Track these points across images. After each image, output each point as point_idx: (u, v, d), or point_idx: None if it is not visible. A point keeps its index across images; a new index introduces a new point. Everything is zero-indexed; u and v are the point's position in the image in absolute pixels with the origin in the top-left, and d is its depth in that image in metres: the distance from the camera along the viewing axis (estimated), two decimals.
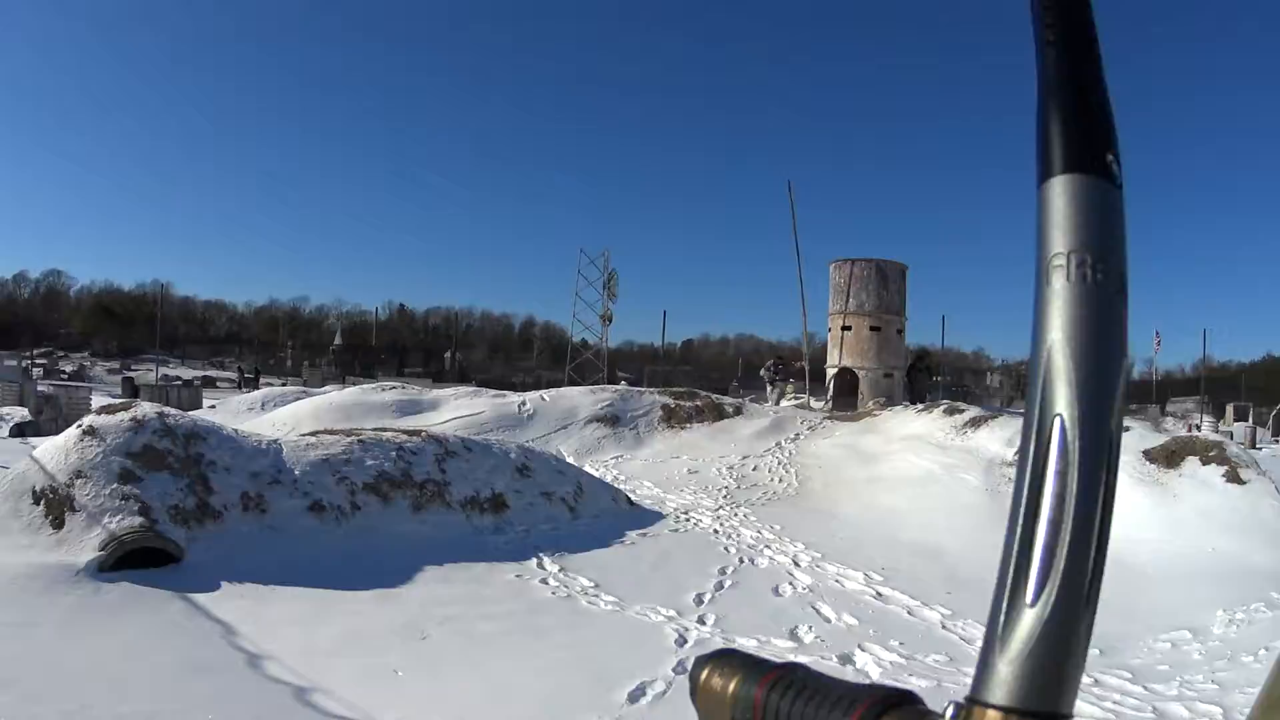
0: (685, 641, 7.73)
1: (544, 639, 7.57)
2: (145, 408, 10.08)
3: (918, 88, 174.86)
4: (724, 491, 16.51)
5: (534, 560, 10.30)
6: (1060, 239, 0.65)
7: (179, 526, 8.64)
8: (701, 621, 8.47)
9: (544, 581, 9.45)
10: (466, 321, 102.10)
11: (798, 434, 22.49)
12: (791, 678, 0.73)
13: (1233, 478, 13.70)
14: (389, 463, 11.00)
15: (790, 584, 10.18)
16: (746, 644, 7.85)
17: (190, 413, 14.38)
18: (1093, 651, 5.22)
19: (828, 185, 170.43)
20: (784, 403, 30.86)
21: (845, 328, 30.48)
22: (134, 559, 8.15)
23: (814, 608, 9.30)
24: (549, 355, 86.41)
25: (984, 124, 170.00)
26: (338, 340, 78.13)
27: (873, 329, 30.22)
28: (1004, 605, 0.62)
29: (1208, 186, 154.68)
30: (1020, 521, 0.64)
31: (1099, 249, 0.65)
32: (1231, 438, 27.85)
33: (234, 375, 62.77)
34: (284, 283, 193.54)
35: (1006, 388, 61.78)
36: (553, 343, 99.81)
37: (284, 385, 41.87)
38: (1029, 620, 0.60)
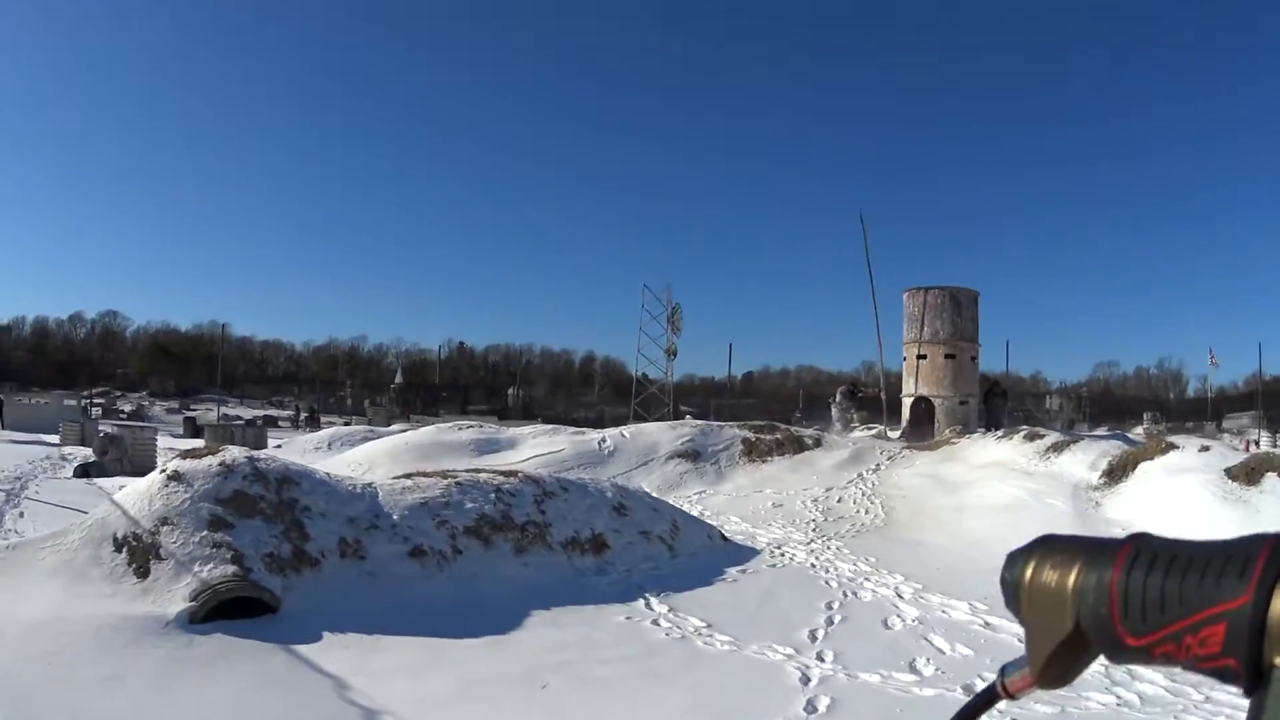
0: (809, 680, 7.49)
1: (666, 683, 7.35)
2: (234, 452, 9.87)
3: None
4: (812, 524, 16.26)
5: (641, 601, 10.04)
6: None
7: (274, 575, 8.38)
8: (820, 658, 8.21)
9: (655, 623, 9.18)
10: (527, 358, 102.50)
11: (878, 464, 22.25)
12: (1149, 549, 0.65)
13: None
14: (488, 504, 10.78)
15: (898, 616, 9.94)
16: (869, 679, 7.67)
17: (276, 454, 14.35)
18: None
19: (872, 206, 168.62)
20: (857, 432, 30.62)
21: (920, 356, 30.20)
22: (227, 610, 7.87)
23: (927, 639, 9.06)
24: (611, 391, 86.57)
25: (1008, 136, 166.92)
26: (399, 378, 78.61)
27: (948, 356, 29.85)
28: None
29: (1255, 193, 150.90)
30: None
31: None
32: None
33: (291, 414, 62.85)
34: (342, 322, 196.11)
35: (1067, 410, 61.12)
36: (613, 378, 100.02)
37: (347, 424, 42.02)
38: None
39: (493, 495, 11.03)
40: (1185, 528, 13.50)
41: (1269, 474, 14.30)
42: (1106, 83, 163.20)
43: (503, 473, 12.38)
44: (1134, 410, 65.28)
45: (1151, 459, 16.66)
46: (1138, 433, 32.62)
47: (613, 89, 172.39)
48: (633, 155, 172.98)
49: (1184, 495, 14.68)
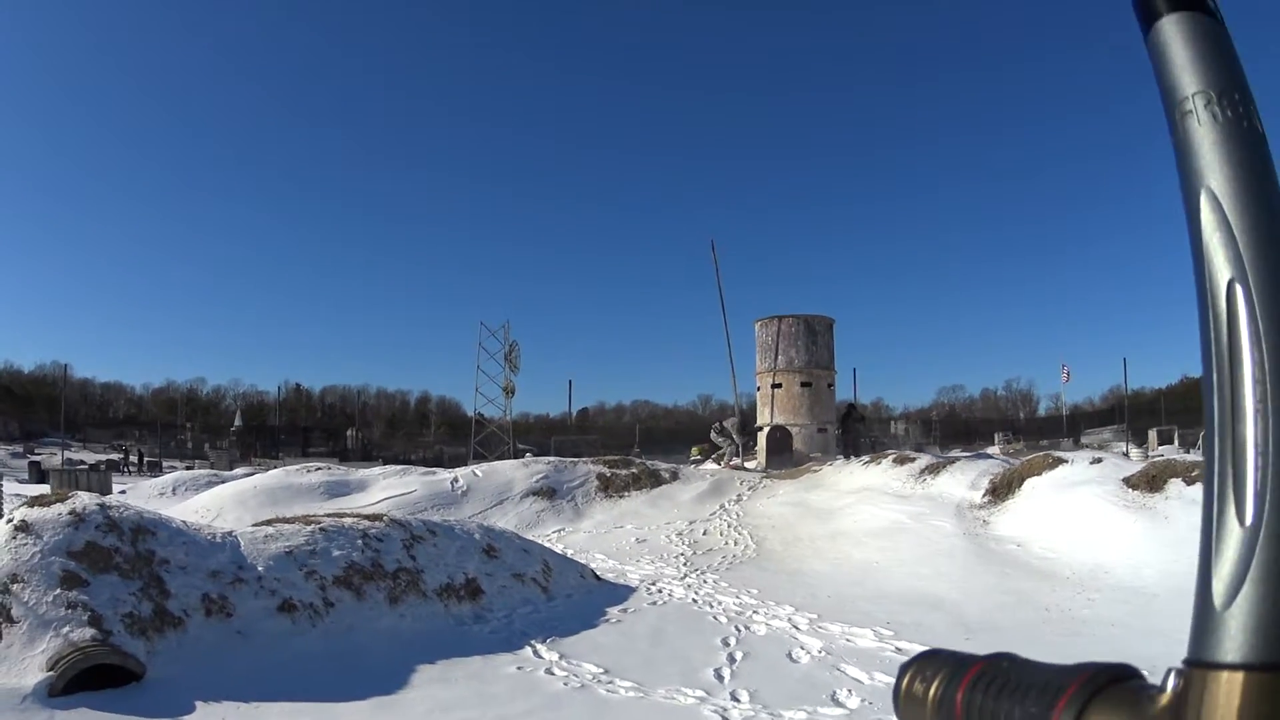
0: None
1: None
2: (84, 498, 8.72)
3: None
4: (683, 559, 15.83)
5: (528, 649, 9.34)
6: (1190, 80, 0.58)
7: (136, 638, 7.35)
8: (735, 698, 7.70)
9: (549, 672, 8.49)
10: (363, 399, 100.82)
11: (739, 495, 22.05)
12: (995, 671, 0.68)
13: None
14: (356, 552, 9.87)
15: (801, 648, 9.50)
16: (795, 717, 7.19)
17: (127, 502, 13.17)
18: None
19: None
20: (711, 464, 30.42)
21: (775, 385, 30.22)
22: (87, 678, 6.83)
23: (840, 670, 8.65)
24: (447, 430, 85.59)
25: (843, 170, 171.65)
26: (238, 421, 76.35)
27: (804, 385, 30.00)
28: (1214, 535, 0.55)
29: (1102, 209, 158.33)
30: (1216, 423, 0.54)
31: (1229, 85, 0.58)
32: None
33: (120, 458, 59.97)
34: (180, 363, 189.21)
35: (914, 435, 62.37)
36: (449, 417, 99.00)
37: (189, 469, 40.38)
38: (1246, 547, 0.52)
39: (359, 541, 10.17)
40: (1085, 539, 13.52)
41: (1173, 480, 14.46)
42: (952, 108, 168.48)
43: (366, 517, 11.51)
44: (983, 432, 66.92)
45: (1039, 474, 16.71)
46: (993, 452, 33.09)
47: (445, 121, 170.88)
48: (467, 190, 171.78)
49: (1081, 507, 14.71)
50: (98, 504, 8.56)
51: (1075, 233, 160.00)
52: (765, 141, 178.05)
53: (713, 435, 31.88)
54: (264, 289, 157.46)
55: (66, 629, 7.07)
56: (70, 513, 8.23)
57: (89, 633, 7.09)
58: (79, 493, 9.25)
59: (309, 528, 10.02)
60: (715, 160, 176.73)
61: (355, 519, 11.13)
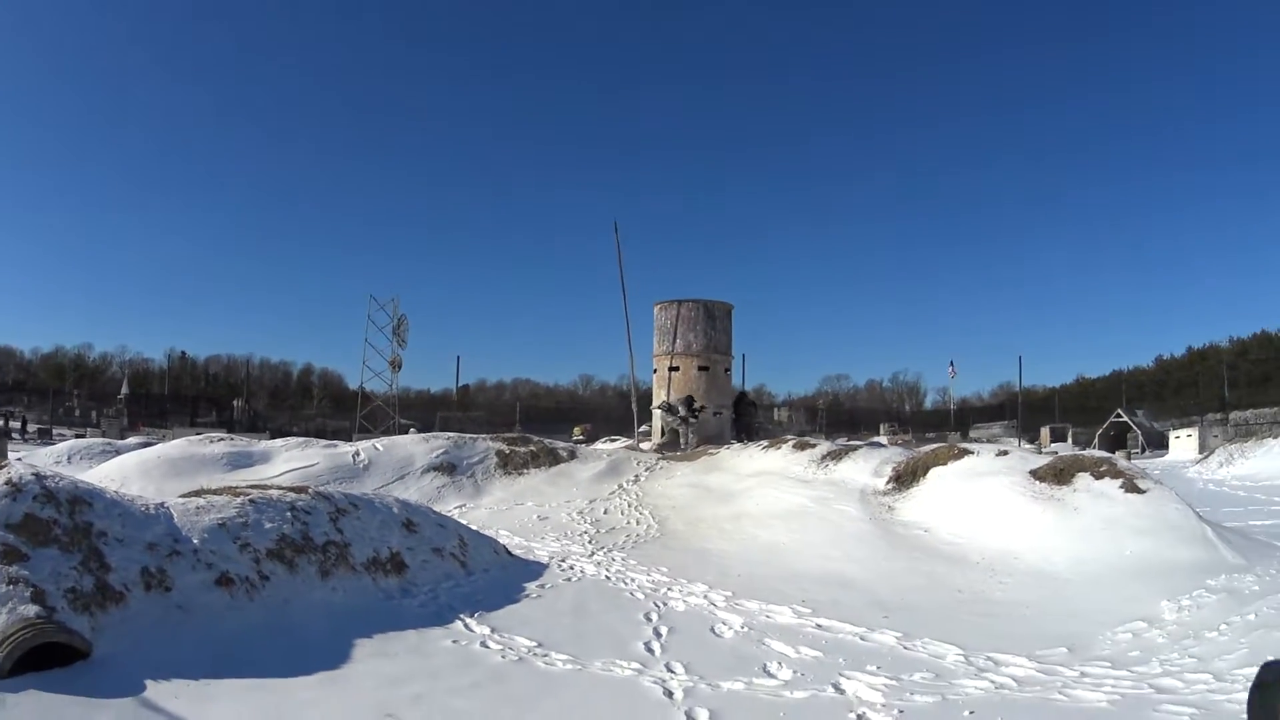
0: (672, 694, 7.13)
1: (532, 710, 6.77)
2: (18, 467, 8.42)
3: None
4: (587, 537, 16.06)
5: (458, 622, 9.37)
6: None
7: (81, 614, 7.08)
8: (670, 669, 7.88)
9: (484, 645, 8.53)
10: (245, 369, 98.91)
11: (637, 475, 22.39)
12: None
13: (1131, 488, 14.37)
14: (286, 524, 9.71)
15: (723, 624, 9.76)
16: (734, 687, 7.42)
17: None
18: (1059, 649, 5.26)
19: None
20: (611, 445, 30.66)
21: (673, 368, 30.52)
22: (31, 658, 6.53)
23: (765, 644, 8.92)
24: (329, 404, 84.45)
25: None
26: (125, 389, 74.32)
27: (701, 368, 30.37)
28: None
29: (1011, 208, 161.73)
30: None
31: None
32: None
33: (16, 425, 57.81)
34: (69, 328, 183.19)
35: (798, 422, 63.34)
36: (332, 390, 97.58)
37: (80, 437, 39.38)
38: None
39: (289, 513, 10.09)
40: (994, 527, 14.05)
41: (1081, 474, 15.08)
42: (849, 101, 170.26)
43: (290, 489, 11.50)
44: (868, 422, 68.12)
45: (944, 464, 17.24)
46: (884, 441, 33.87)
47: (349, 96, 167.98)
48: (360, 163, 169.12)
49: (988, 497, 15.24)
50: (34, 473, 8.29)
51: (970, 230, 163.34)
52: (670, 128, 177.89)
53: (661, 415, 31.88)
54: (150, 254, 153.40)
55: (10, 606, 6.77)
56: (6, 483, 7.90)
57: (33, 609, 6.81)
58: (12, 461, 9.08)
59: (238, 499, 9.92)
60: (617, 142, 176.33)
61: (281, 491, 11.06)
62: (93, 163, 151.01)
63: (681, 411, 30.21)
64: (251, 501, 9.99)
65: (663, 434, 30.54)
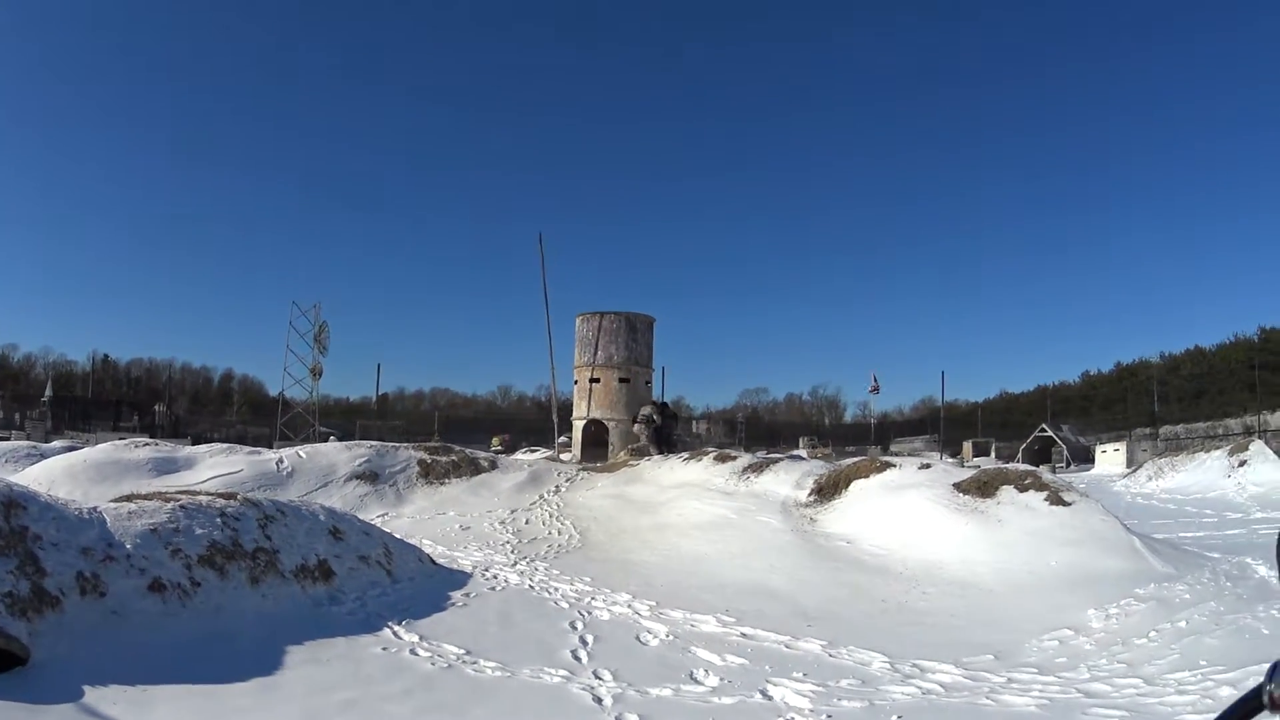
0: (601, 700, 7.34)
1: (464, 715, 6.95)
2: None
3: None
4: (509, 546, 16.14)
5: (386, 630, 9.48)
6: None
7: (18, 619, 7.04)
8: (598, 677, 8.09)
9: (413, 652, 8.65)
10: (167, 373, 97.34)
11: (558, 486, 22.48)
12: None
13: (1056, 500, 14.81)
14: (216, 530, 9.72)
15: (648, 633, 9.96)
16: (661, 694, 7.64)
17: None
18: (986, 657, 5.58)
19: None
20: (530, 455, 30.74)
21: (594, 379, 30.68)
22: None
23: (690, 652, 9.15)
24: (249, 410, 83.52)
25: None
26: (49, 391, 72.73)
27: (622, 380, 30.57)
28: None
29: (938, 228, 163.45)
30: None
31: None
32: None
33: None
34: None
35: (716, 435, 63.73)
36: (251, 397, 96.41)
37: (3, 440, 38.60)
38: None
39: (219, 520, 10.11)
40: (917, 539, 14.36)
41: (1005, 487, 15.45)
42: (775, 109, 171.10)
43: (220, 495, 11.49)
44: (787, 435, 68.67)
45: (866, 477, 17.57)
46: (803, 454, 34.24)
47: (270, 98, 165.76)
48: (285, 163, 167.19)
49: (911, 509, 15.56)
50: None
51: (892, 244, 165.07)
52: (594, 139, 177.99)
53: (636, 428, 31.69)
54: (74, 254, 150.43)
55: None
56: None
57: None
58: None
59: (169, 505, 9.91)
60: (541, 153, 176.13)
61: (210, 497, 11.08)
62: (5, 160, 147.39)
63: (656, 420, 30.06)
64: (182, 507, 9.99)
65: (638, 441, 30.50)
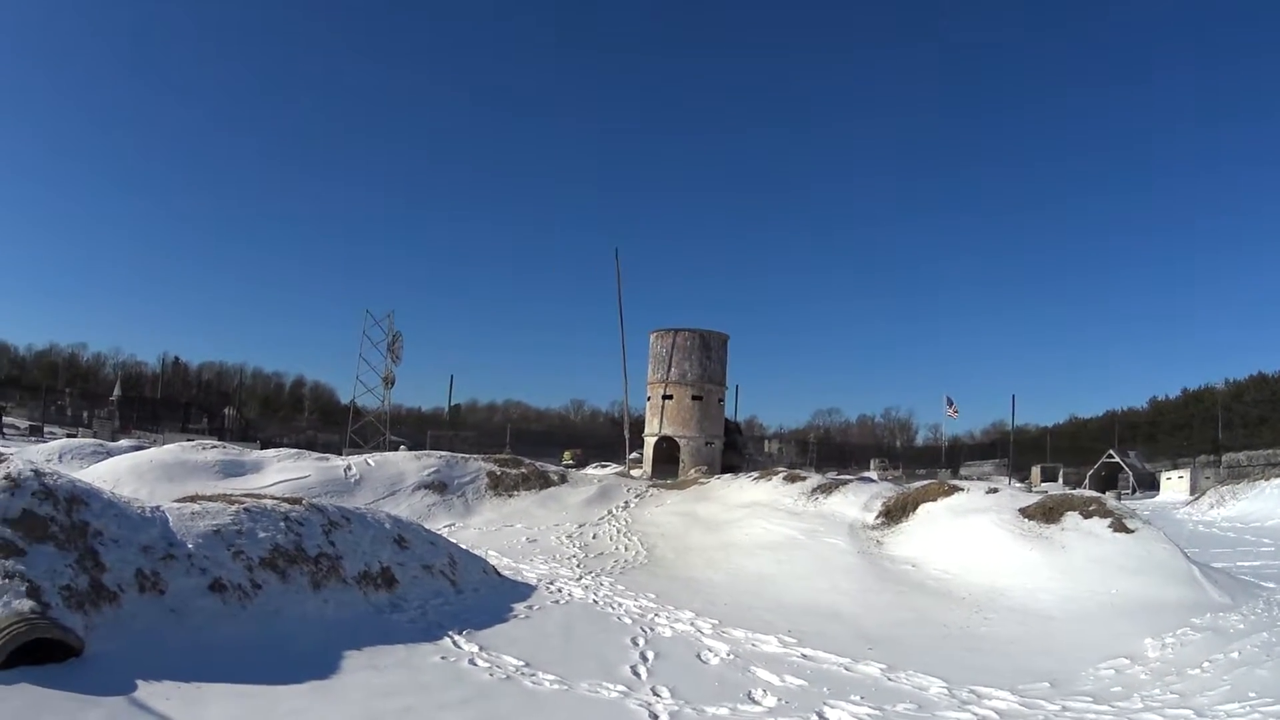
0: (657, 717, 7.21)
1: None
2: (17, 463, 8.55)
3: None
4: (576, 560, 16.10)
5: (447, 639, 9.40)
6: None
7: (74, 612, 7.10)
8: (656, 694, 7.95)
9: (472, 663, 8.56)
10: (238, 377, 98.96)
11: (627, 502, 22.37)
12: None
13: (1119, 528, 14.59)
14: (280, 534, 9.77)
15: (709, 651, 9.83)
16: (718, 712, 7.49)
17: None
18: (1042, 684, 5.33)
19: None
20: (601, 470, 30.68)
21: (666, 396, 30.56)
22: (26, 652, 6.55)
23: (750, 671, 8.99)
24: (320, 416, 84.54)
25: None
26: (117, 391, 74.12)
27: (694, 398, 30.41)
28: None
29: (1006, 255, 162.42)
30: None
31: None
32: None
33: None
34: (64, 326, 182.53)
35: (789, 454, 63.27)
36: (322, 404, 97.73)
37: (71, 436, 39.34)
38: None
39: (282, 524, 10.14)
40: (981, 563, 14.09)
41: (1069, 513, 15.21)
42: (859, 146, 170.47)
43: (285, 499, 11.53)
44: (858, 457, 68.15)
45: (934, 500, 17.31)
46: (873, 476, 33.91)
47: (356, 114, 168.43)
48: (366, 175, 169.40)
49: (977, 534, 15.32)
50: (32, 470, 8.30)
51: (967, 270, 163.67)
52: (673, 162, 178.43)
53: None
54: (147, 257, 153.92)
55: (4, 600, 6.78)
56: (5, 477, 7.90)
57: (28, 604, 6.81)
58: (10, 456, 9.09)
59: (233, 507, 9.96)
60: (621, 173, 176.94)
61: (275, 501, 11.11)
62: (87, 164, 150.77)
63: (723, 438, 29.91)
64: (246, 510, 10.02)
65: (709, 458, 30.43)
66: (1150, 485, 48.06)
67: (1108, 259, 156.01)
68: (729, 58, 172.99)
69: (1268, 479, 32.69)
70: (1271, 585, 13.43)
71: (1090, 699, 8.16)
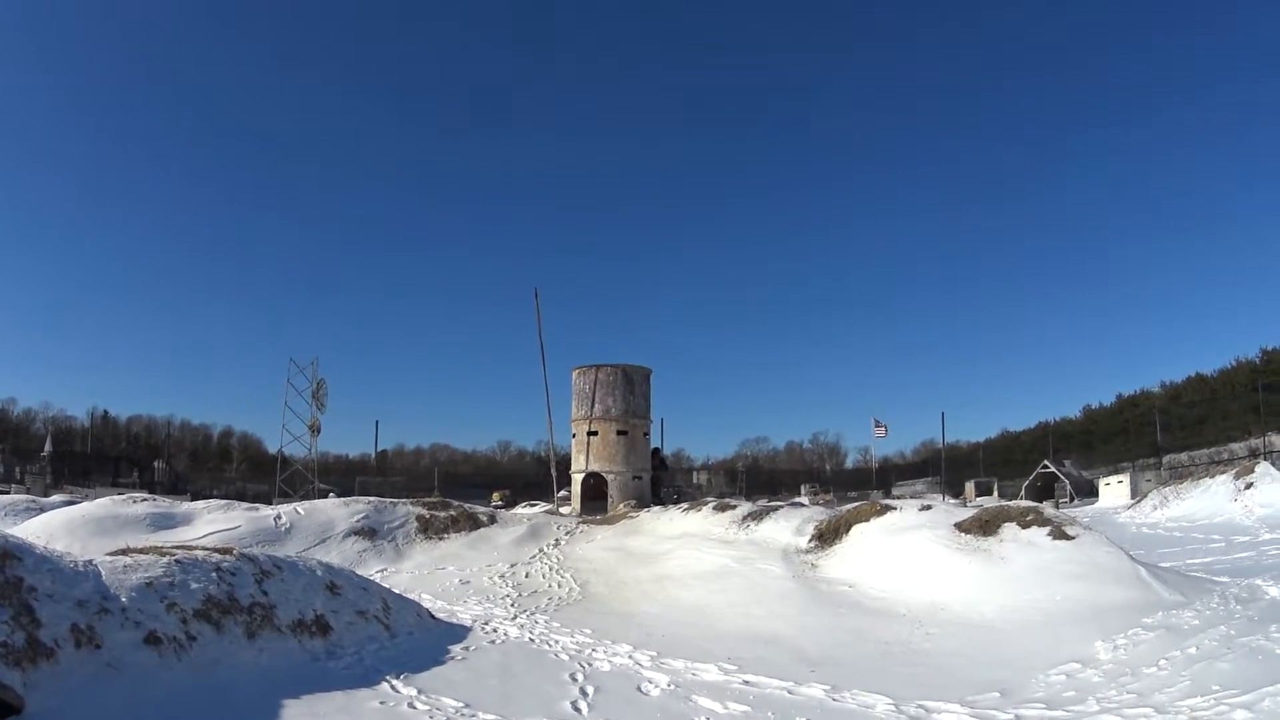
0: None
1: None
2: None
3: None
4: (510, 600, 16.06)
5: (385, 684, 9.33)
6: None
7: (12, 669, 6.95)
8: None
9: (411, 706, 8.53)
10: (166, 430, 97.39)
11: (558, 539, 22.35)
12: None
13: (1059, 535, 14.74)
14: (212, 585, 9.69)
15: (649, 682, 9.86)
16: None
17: None
18: (992, 694, 5.47)
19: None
20: (530, 509, 30.66)
21: (591, 432, 30.67)
22: None
23: (693, 700, 9.06)
24: (249, 466, 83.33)
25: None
26: (49, 446, 72.58)
27: (620, 433, 30.56)
28: None
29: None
30: None
31: None
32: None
33: None
34: None
35: (717, 485, 63.46)
36: (250, 454, 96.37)
37: (3, 493, 38.48)
38: None
39: (214, 574, 10.06)
40: (920, 580, 14.25)
41: (1007, 524, 15.39)
42: (763, 161, 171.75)
43: (216, 550, 11.43)
44: (788, 483, 68.32)
45: (867, 520, 17.49)
46: (804, 501, 34.14)
47: (269, 150, 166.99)
48: (284, 223, 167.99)
49: (913, 551, 15.49)
50: None
51: (886, 288, 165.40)
52: (586, 191, 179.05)
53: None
54: (74, 312, 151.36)
55: None
56: None
57: None
58: None
59: (164, 559, 9.87)
60: (536, 207, 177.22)
61: (206, 552, 11.02)
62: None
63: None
64: (178, 561, 9.94)
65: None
66: (1089, 492, 48.39)
67: (1027, 267, 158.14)
68: (639, 75, 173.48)
69: (1212, 476, 32.71)
70: (1225, 579, 13.62)
71: (1044, 705, 8.28)
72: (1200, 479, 33.41)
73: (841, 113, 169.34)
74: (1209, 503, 30.38)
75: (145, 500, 22.98)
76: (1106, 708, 7.87)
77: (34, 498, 30.35)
